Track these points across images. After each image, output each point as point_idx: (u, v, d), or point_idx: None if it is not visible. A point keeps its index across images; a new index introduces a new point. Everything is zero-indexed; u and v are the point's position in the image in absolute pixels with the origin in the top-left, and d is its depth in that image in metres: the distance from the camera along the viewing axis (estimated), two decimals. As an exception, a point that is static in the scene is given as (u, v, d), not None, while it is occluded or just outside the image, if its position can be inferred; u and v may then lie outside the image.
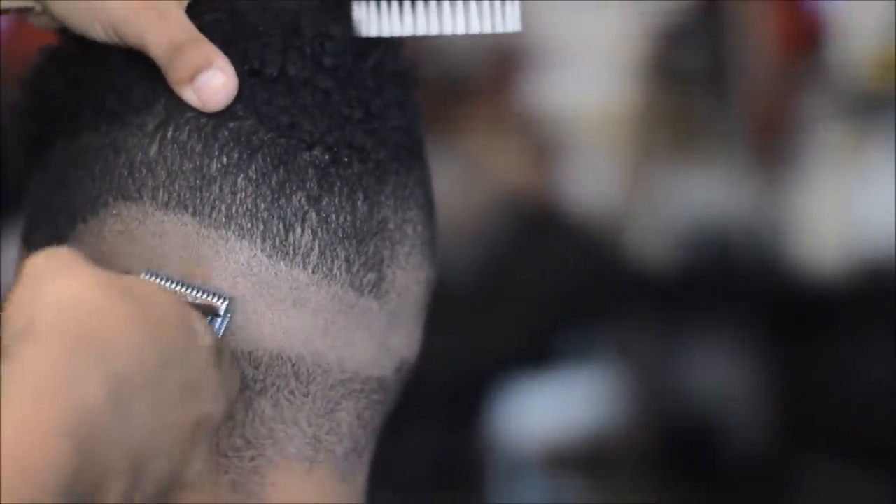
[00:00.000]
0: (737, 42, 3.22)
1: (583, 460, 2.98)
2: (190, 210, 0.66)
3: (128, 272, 0.65)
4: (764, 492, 2.95)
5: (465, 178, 2.81)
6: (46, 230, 0.69)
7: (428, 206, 0.72)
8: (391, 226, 0.69)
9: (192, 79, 0.66)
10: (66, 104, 0.69)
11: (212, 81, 0.66)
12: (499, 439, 2.79)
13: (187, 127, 0.67)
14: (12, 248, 0.73)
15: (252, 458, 0.68)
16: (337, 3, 0.69)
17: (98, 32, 0.67)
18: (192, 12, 0.67)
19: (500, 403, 2.78)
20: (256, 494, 0.68)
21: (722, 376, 3.06)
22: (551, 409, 2.92)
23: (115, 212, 0.67)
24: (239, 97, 0.66)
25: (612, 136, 3.37)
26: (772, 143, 3.27)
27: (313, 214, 0.67)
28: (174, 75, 0.66)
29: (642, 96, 3.33)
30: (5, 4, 0.68)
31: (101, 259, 0.66)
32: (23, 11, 0.69)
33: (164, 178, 0.66)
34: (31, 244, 0.69)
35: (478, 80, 2.96)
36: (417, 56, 0.72)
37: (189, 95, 0.66)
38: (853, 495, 2.84)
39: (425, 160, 0.73)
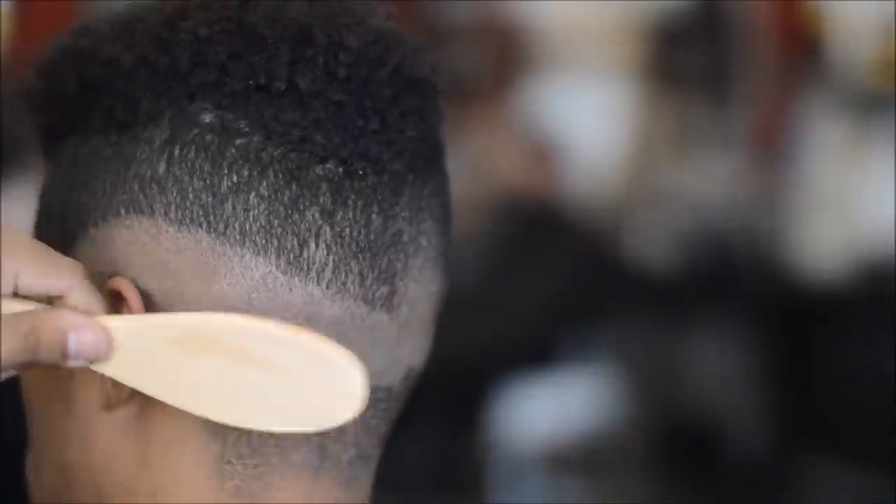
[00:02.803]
0: (737, 42, 3.22)
1: (583, 460, 2.98)
2: (204, 227, 0.65)
3: (135, 281, 0.65)
4: (764, 491, 2.95)
5: (465, 178, 2.81)
6: (56, 227, 0.69)
7: (444, 217, 0.71)
8: (405, 238, 0.68)
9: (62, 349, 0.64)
10: (77, 105, 0.69)
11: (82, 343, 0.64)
12: (499, 439, 2.79)
13: (193, 146, 0.66)
14: None
15: (256, 466, 0.67)
16: (350, 10, 0.68)
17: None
18: (201, 22, 0.67)
19: (500, 403, 2.78)
20: (260, 497, 0.68)
21: (722, 376, 3.06)
22: (551, 409, 2.92)
23: (127, 223, 0.66)
24: (244, 113, 0.65)
25: (611, 135, 3.37)
26: (772, 143, 3.27)
27: (327, 229, 0.66)
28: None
29: (642, 96, 3.33)
30: None
31: (109, 264, 0.66)
32: None
33: (174, 195, 0.65)
34: (41, 238, 0.69)
35: (478, 80, 2.95)
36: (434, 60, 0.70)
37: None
38: (853, 495, 2.84)
39: (444, 169, 0.71)
